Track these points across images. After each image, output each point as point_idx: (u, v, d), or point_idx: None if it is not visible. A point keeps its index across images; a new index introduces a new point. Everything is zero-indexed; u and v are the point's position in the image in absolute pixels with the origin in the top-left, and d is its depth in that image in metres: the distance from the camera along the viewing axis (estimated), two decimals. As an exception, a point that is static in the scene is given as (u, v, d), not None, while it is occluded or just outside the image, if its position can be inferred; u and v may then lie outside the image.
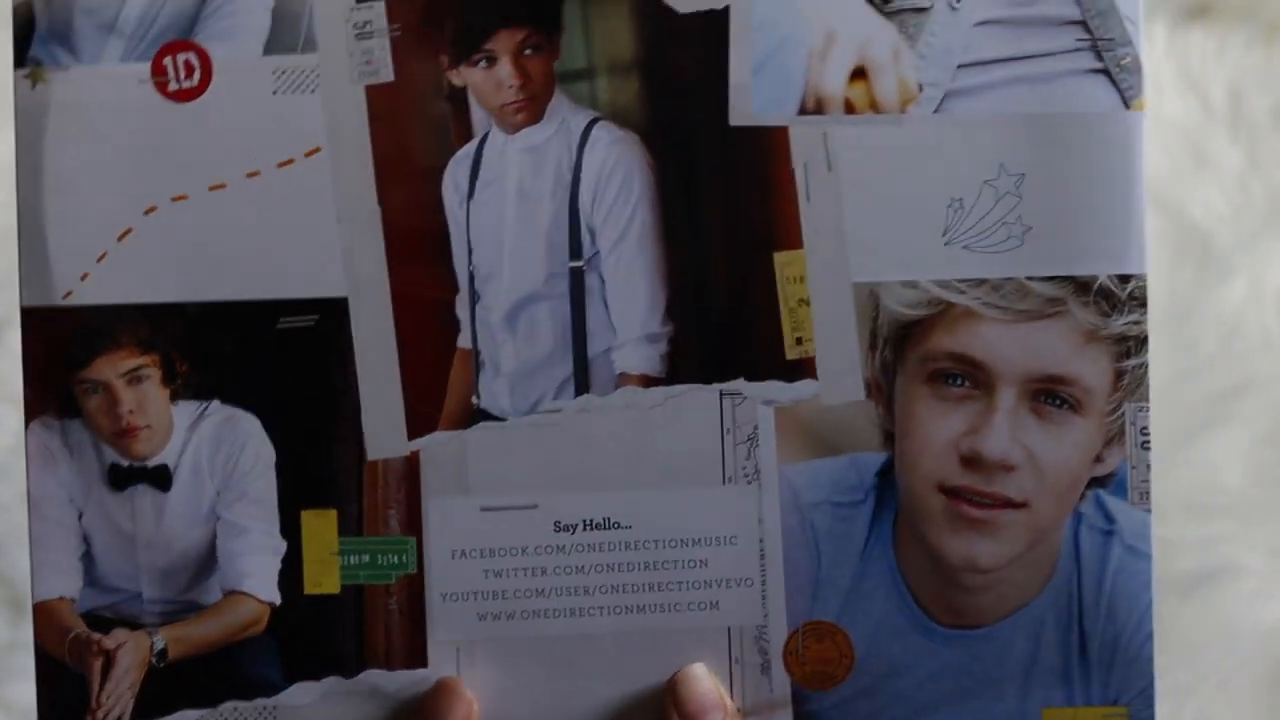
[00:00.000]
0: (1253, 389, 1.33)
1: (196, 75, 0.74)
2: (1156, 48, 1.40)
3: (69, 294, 0.75)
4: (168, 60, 0.74)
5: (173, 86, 0.74)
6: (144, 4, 0.75)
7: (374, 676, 0.76)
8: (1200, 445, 1.30)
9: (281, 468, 0.76)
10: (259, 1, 0.74)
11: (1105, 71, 0.74)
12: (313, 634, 0.77)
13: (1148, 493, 0.75)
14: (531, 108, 0.75)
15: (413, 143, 0.76)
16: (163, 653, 0.76)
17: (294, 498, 0.76)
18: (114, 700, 0.76)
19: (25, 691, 1.13)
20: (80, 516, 0.77)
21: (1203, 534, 1.27)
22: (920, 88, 0.73)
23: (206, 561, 0.77)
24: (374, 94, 0.75)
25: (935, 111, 0.74)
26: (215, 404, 0.76)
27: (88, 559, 0.77)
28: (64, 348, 0.76)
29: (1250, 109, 1.40)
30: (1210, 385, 1.32)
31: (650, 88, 0.75)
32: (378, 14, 0.74)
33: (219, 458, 0.77)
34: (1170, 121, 1.40)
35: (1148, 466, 0.75)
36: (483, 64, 0.75)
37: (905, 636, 0.76)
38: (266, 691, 0.76)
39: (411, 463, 0.76)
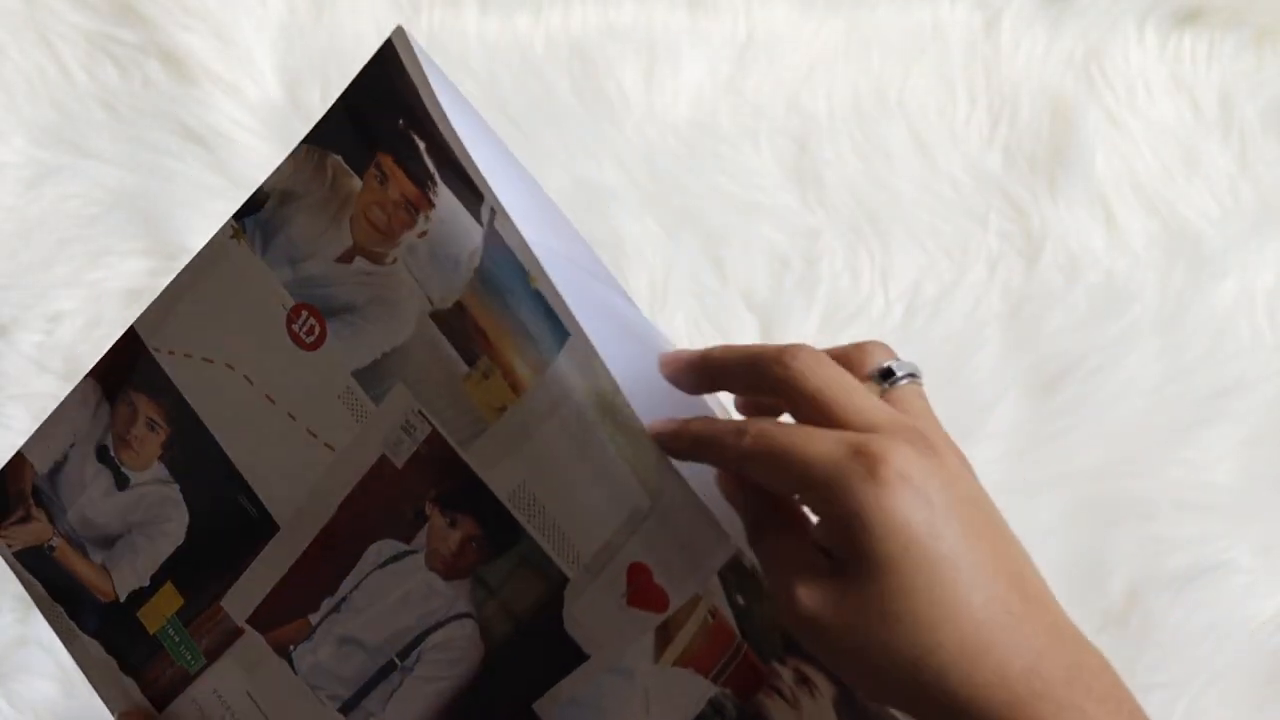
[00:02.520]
0: (1242, 388, 1.39)
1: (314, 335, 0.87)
2: (1149, 52, 1.41)
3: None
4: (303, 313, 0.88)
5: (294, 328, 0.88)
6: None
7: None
8: (1191, 444, 1.36)
9: (173, 557, 0.93)
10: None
11: None
12: (122, 632, 0.95)
13: None
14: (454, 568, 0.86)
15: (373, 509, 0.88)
16: (52, 548, 0.96)
17: (171, 571, 0.93)
18: (12, 537, 0.98)
19: (35, 687, 1.27)
20: (71, 445, 0.95)
21: (1193, 531, 1.33)
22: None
23: (108, 542, 0.95)
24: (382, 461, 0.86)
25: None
26: (177, 488, 0.93)
27: (56, 466, 0.95)
28: (128, 371, 0.92)
29: (1240, 112, 1.42)
30: (1201, 385, 1.38)
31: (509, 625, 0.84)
32: (423, 428, 0.85)
33: (152, 509, 0.93)
34: (1161, 125, 1.41)
35: None
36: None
37: None
38: (78, 628, 0.97)
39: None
